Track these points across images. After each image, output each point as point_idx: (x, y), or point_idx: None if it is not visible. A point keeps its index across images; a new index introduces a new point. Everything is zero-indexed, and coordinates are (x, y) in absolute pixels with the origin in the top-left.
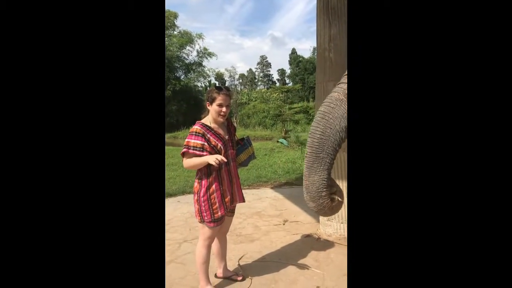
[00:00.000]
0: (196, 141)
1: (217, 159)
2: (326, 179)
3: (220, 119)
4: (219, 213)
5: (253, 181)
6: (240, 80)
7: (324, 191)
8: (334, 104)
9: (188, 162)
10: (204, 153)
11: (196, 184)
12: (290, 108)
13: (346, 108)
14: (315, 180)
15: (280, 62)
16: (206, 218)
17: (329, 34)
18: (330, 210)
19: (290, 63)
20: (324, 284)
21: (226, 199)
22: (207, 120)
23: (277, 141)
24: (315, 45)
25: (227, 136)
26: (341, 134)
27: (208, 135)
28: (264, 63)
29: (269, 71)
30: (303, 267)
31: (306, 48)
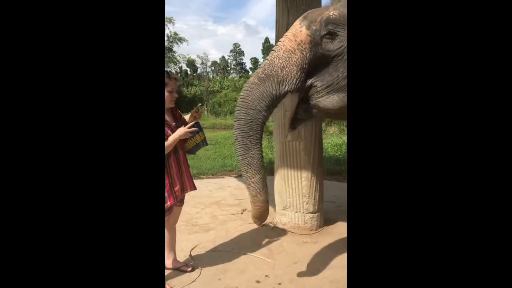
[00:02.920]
0: None
1: (187, 131)
2: (261, 152)
3: (171, 105)
4: (168, 203)
5: (217, 170)
6: (213, 68)
7: (262, 164)
8: (251, 88)
9: None
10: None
11: None
12: None
13: (262, 90)
14: (255, 154)
15: (253, 50)
16: None
17: (287, 22)
18: (265, 190)
19: (264, 52)
20: (273, 272)
21: (176, 188)
22: None
23: None
24: None
25: (174, 123)
26: (262, 113)
27: None
28: (237, 51)
29: (242, 59)
30: (254, 256)
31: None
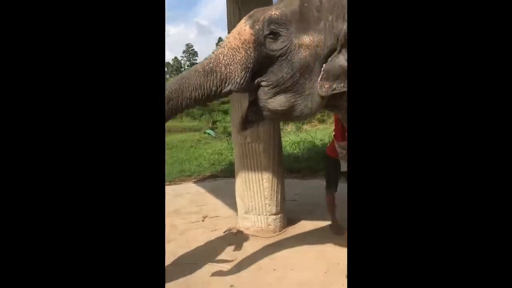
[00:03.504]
0: None
1: None
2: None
3: None
4: None
5: (175, 176)
6: (166, 69)
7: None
8: (193, 74)
9: None
10: None
11: None
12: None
13: (202, 81)
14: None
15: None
16: None
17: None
18: None
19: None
20: (239, 281)
21: None
22: None
23: (204, 132)
24: None
25: None
26: (186, 102)
27: None
28: (190, 52)
29: (196, 60)
30: (218, 265)
31: None
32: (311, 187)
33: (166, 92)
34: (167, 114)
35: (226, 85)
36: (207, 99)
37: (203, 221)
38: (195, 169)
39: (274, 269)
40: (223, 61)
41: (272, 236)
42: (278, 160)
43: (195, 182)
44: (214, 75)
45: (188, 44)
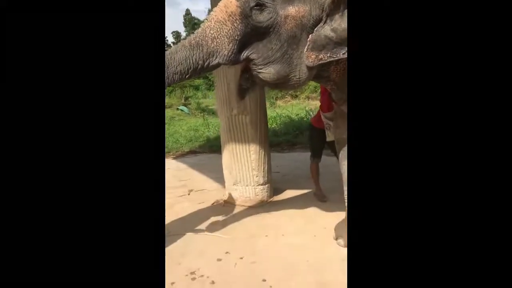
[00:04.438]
0: None
1: None
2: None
3: None
4: None
5: None
6: None
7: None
8: (179, 49)
9: None
10: None
11: None
12: None
13: (187, 55)
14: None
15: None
16: None
17: None
18: None
19: (185, 25)
20: (233, 248)
21: None
22: None
23: (177, 109)
24: (210, 7)
25: None
26: (174, 77)
27: None
28: None
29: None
30: (210, 235)
31: (201, 9)
32: (291, 159)
33: (166, 73)
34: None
35: (214, 58)
36: (194, 73)
37: (189, 194)
38: (172, 145)
39: (266, 235)
40: (210, 34)
41: (260, 206)
42: (265, 132)
43: (174, 158)
44: (200, 49)
45: None
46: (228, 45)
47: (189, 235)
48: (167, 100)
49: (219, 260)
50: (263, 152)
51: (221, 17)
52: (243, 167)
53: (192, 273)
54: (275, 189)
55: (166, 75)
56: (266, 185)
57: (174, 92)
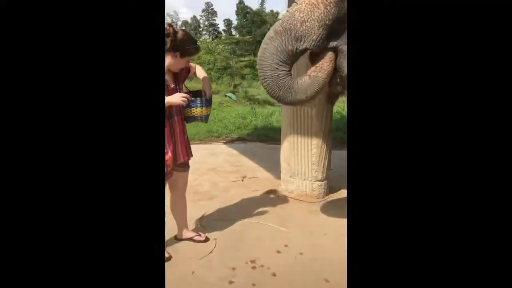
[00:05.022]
0: None
1: (184, 97)
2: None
3: (177, 70)
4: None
5: (203, 136)
6: (183, 28)
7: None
8: (266, 44)
9: None
10: None
11: None
12: (239, 61)
13: (277, 44)
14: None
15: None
16: None
17: None
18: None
19: (237, 13)
20: (291, 242)
21: (166, 157)
22: None
23: (225, 95)
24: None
25: (172, 85)
26: (279, 69)
27: None
28: (209, 11)
29: (215, 20)
30: (268, 225)
31: None
32: (343, 157)
33: (259, 71)
34: (271, 93)
35: (301, 43)
36: (288, 60)
37: (242, 180)
38: (222, 130)
39: (325, 234)
40: (299, 17)
41: (316, 202)
42: (329, 127)
43: (225, 143)
44: (288, 33)
45: (207, 2)
46: (318, 29)
47: (245, 221)
48: (215, 86)
49: (278, 252)
50: (325, 148)
51: None
52: (303, 160)
53: (252, 261)
54: (331, 187)
55: (270, 73)
56: (324, 182)
57: (222, 79)
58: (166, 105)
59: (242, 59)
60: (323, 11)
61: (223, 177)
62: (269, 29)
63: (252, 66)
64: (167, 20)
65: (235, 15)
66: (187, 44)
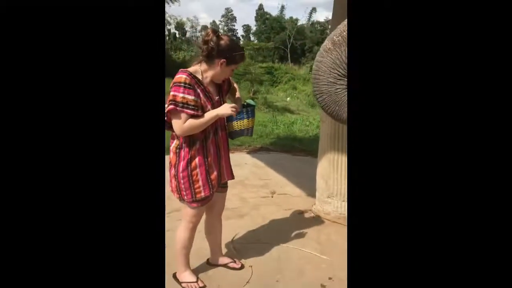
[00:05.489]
0: (187, 95)
1: (233, 107)
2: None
3: (221, 81)
4: (203, 194)
5: None
6: (202, 32)
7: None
8: (322, 56)
9: (185, 125)
10: (199, 113)
11: (172, 154)
12: (260, 67)
13: (334, 56)
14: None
15: (245, 17)
16: (186, 197)
17: None
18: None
19: (257, 19)
20: (336, 274)
21: (212, 176)
22: (198, 71)
23: (245, 102)
24: (284, 3)
25: (217, 97)
26: (337, 84)
27: (198, 90)
28: (229, 17)
29: (234, 25)
30: (307, 252)
31: (274, 5)
32: None
33: (313, 86)
34: (326, 108)
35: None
36: (346, 74)
37: (272, 197)
38: (244, 139)
39: None
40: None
41: None
42: None
43: (248, 153)
44: (345, 45)
45: (227, 8)
46: None
47: (283, 246)
48: None
49: (322, 286)
50: None
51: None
52: (343, 180)
53: None
54: None
55: (325, 88)
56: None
57: (239, 84)
58: (214, 117)
59: (261, 65)
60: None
61: (251, 192)
62: (288, 36)
63: (270, 72)
64: (187, 24)
65: (254, 21)
66: (233, 50)
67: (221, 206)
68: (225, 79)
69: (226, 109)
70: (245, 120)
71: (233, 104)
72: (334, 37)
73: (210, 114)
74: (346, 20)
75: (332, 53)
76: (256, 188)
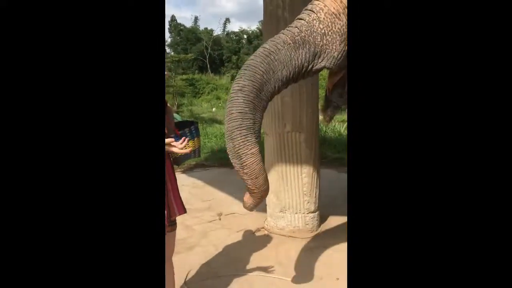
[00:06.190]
0: None
1: (169, 141)
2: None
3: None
4: None
5: None
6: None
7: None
8: (281, 46)
9: None
10: None
11: None
12: (181, 79)
13: (291, 55)
14: (257, 118)
15: None
16: None
17: None
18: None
19: (170, 31)
20: None
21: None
22: None
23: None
24: (197, 14)
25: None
26: (278, 84)
27: None
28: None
29: None
30: (269, 277)
31: (187, 16)
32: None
33: (257, 75)
34: (264, 104)
35: (320, 60)
36: (296, 79)
37: (219, 219)
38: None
39: (337, 278)
40: (319, 29)
41: (309, 237)
42: (318, 152)
43: (183, 172)
44: (307, 47)
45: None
46: (340, 45)
47: (244, 277)
48: None
49: None
50: (316, 175)
51: (334, 8)
52: (294, 191)
53: None
54: (320, 216)
55: (273, 82)
56: (316, 213)
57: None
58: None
59: (181, 77)
60: (345, 23)
61: (196, 217)
62: (205, 47)
63: (192, 84)
64: None
65: (168, 33)
66: None
67: (171, 248)
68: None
69: (170, 144)
70: (191, 142)
71: (169, 139)
72: (295, 35)
73: None
74: (305, 18)
75: (291, 51)
76: (200, 212)
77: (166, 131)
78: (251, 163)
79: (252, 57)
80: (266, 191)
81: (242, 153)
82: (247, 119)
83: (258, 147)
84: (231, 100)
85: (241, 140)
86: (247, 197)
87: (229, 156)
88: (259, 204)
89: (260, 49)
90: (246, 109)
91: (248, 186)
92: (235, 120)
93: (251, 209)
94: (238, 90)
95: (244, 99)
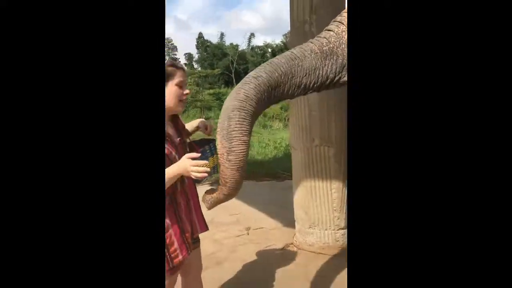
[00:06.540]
0: None
1: (198, 167)
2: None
3: (180, 108)
4: (180, 257)
5: None
6: None
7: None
8: (308, 54)
9: None
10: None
11: None
12: (209, 94)
13: (316, 64)
14: (257, 111)
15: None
16: None
17: (310, 3)
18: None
19: (198, 47)
20: None
21: (187, 234)
22: None
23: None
24: (223, 30)
25: (178, 139)
26: (293, 89)
27: None
28: (169, 46)
29: (175, 54)
30: None
31: (213, 33)
32: None
33: (276, 74)
34: (270, 102)
35: (344, 74)
36: (319, 88)
37: (247, 234)
38: None
39: None
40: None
41: (339, 253)
42: (346, 166)
43: (211, 185)
44: (335, 58)
45: (167, 38)
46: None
47: None
48: (183, 119)
49: None
50: (345, 191)
51: None
52: (323, 207)
53: None
54: None
55: (288, 87)
56: (346, 229)
57: (187, 112)
58: (177, 176)
59: (209, 91)
60: None
61: (223, 231)
62: (231, 61)
63: (219, 98)
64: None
65: (195, 49)
66: (168, 66)
67: (198, 266)
68: (180, 107)
69: (185, 167)
70: (210, 159)
71: (191, 154)
72: (323, 45)
73: (172, 172)
74: (333, 29)
75: (318, 60)
76: (227, 226)
77: (179, 140)
78: (240, 151)
79: (278, 56)
80: (236, 190)
81: (235, 136)
82: (251, 105)
83: (249, 139)
84: (243, 83)
85: (239, 122)
86: (209, 192)
87: (218, 136)
88: (218, 204)
89: (288, 52)
90: (253, 96)
91: (223, 176)
92: (240, 101)
93: (209, 207)
94: (253, 77)
95: (255, 86)
